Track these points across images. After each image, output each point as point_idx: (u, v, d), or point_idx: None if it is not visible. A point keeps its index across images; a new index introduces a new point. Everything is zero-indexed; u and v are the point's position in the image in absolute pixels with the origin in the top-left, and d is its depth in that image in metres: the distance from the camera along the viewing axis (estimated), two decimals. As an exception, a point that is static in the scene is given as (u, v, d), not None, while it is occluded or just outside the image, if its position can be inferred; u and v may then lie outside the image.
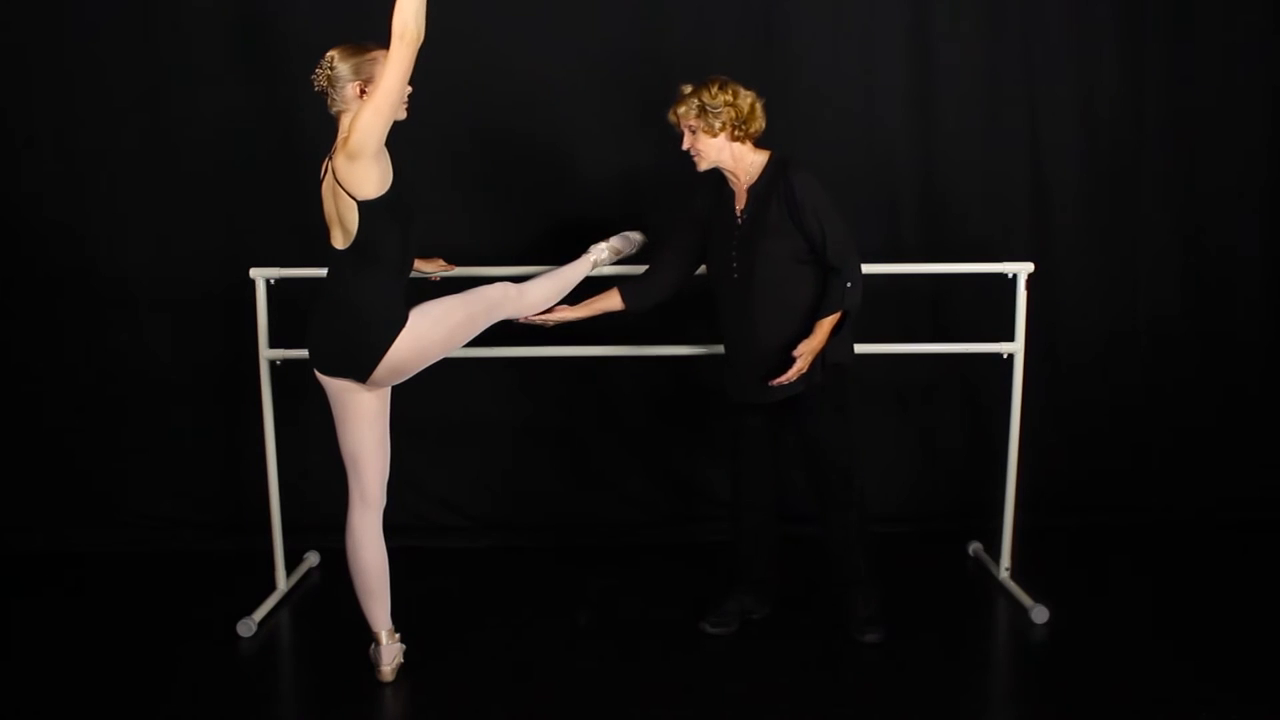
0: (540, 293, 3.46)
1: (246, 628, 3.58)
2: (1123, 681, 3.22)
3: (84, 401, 4.37)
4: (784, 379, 3.30)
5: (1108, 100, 4.43)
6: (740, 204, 3.42)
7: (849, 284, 3.31)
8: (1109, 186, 4.47)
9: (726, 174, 3.43)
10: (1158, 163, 4.47)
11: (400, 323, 3.08)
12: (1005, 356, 3.85)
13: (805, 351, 3.28)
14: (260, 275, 3.75)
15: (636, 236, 3.76)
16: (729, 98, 3.31)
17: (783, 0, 4.30)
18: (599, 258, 3.65)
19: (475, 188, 4.29)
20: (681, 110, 3.33)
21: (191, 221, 4.28)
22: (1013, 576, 3.92)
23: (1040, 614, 3.61)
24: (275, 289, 3.79)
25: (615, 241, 3.71)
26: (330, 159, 3.04)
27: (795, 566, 4.14)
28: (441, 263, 3.67)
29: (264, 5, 4.20)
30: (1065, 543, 4.36)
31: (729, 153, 3.37)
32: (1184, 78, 4.43)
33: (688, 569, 4.15)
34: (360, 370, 3.08)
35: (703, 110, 3.31)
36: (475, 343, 3.35)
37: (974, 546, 4.23)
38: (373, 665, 3.26)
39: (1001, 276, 3.82)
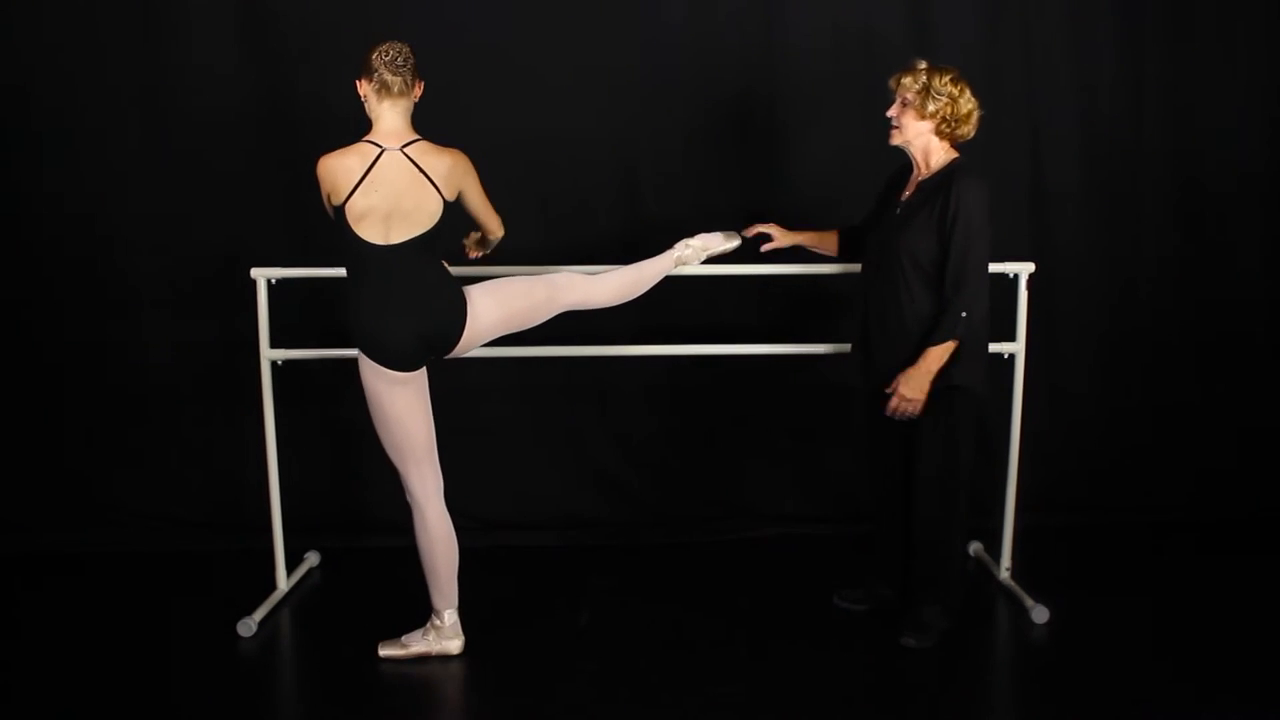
0: (612, 285, 3.41)
1: (246, 628, 3.57)
2: (1123, 681, 3.22)
3: (84, 401, 4.38)
4: (890, 409, 3.33)
5: (1108, 100, 4.43)
6: (907, 192, 3.44)
7: (964, 313, 3.27)
8: (1109, 186, 4.48)
9: (913, 161, 3.44)
10: (1158, 162, 4.48)
11: (464, 297, 3.21)
12: (1006, 356, 3.85)
13: (904, 379, 3.28)
14: (261, 275, 3.75)
15: (727, 236, 3.57)
16: (954, 91, 3.32)
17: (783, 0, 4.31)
18: (683, 254, 3.50)
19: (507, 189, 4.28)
20: (906, 80, 3.34)
21: (192, 221, 4.28)
22: (1013, 576, 3.92)
23: (1040, 614, 3.61)
24: (276, 289, 3.79)
25: (704, 239, 3.53)
26: (407, 155, 3.10)
27: (796, 566, 4.15)
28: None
29: (265, 5, 4.21)
30: (1065, 543, 4.36)
31: (925, 141, 3.37)
32: (1184, 77, 4.44)
33: (688, 569, 4.16)
34: (447, 345, 3.21)
35: (926, 90, 3.31)
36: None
37: (974, 546, 4.23)
38: (439, 649, 3.37)
39: (1002, 276, 3.82)
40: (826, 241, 3.72)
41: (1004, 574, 3.94)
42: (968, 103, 3.35)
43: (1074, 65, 4.40)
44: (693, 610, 3.73)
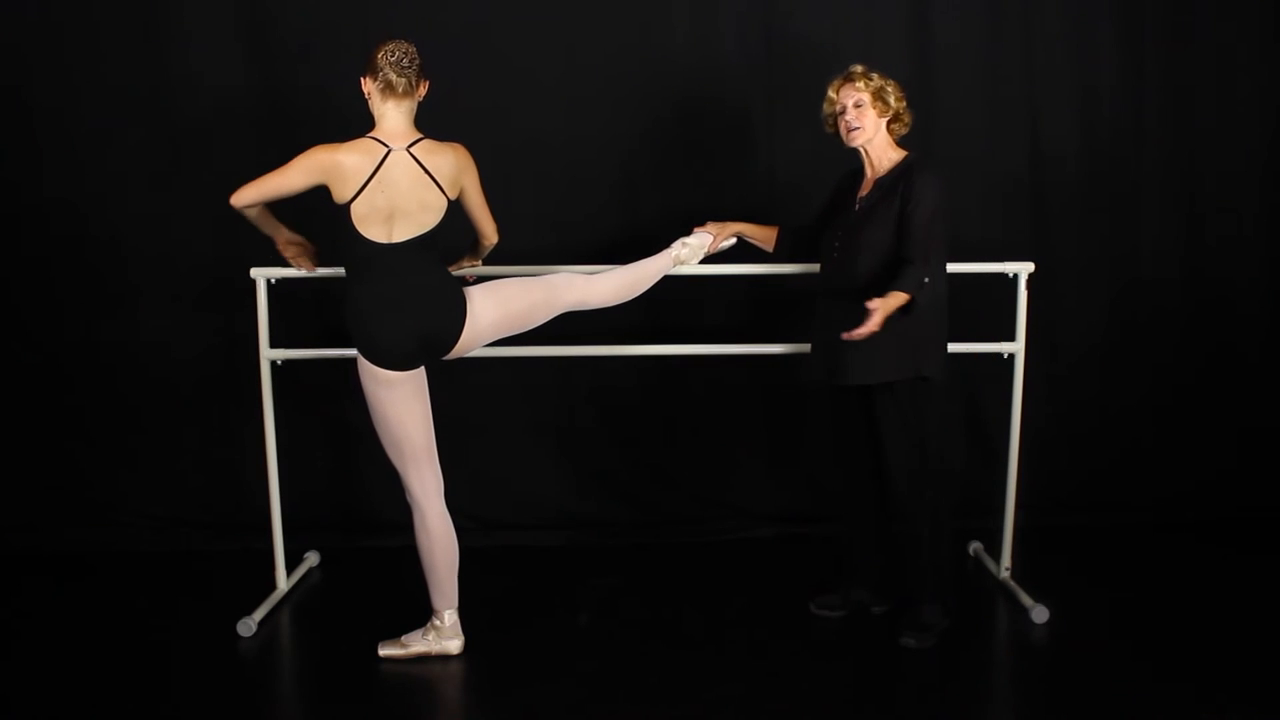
0: (611, 285, 3.42)
1: (246, 628, 3.57)
2: (1123, 681, 3.22)
3: (84, 401, 4.38)
4: (857, 333, 3.16)
5: (1108, 100, 4.44)
6: (863, 192, 3.47)
7: (926, 279, 3.26)
8: (1109, 186, 4.48)
9: (864, 160, 3.48)
10: (1158, 162, 4.48)
11: (464, 297, 3.21)
12: (1006, 356, 3.85)
13: (879, 306, 3.14)
14: (260, 275, 3.74)
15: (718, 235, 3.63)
16: (898, 93, 3.43)
17: (782, 0, 4.31)
18: (680, 253, 3.54)
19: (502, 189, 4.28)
20: (860, 84, 3.40)
21: (192, 221, 4.28)
22: (1013, 576, 3.92)
23: (1040, 614, 3.61)
24: (275, 289, 3.79)
25: (701, 238, 3.59)
26: (413, 155, 3.10)
27: (795, 565, 4.15)
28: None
29: (264, 5, 4.21)
30: (1065, 543, 4.36)
31: (880, 139, 3.44)
32: (1183, 77, 4.44)
33: (688, 569, 4.16)
34: (445, 346, 3.20)
35: (881, 91, 3.41)
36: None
37: (974, 546, 4.23)
38: (439, 649, 3.37)
39: (1002, 276, 3.82)
40: (766, 235, 3.73)
41: (1004, 574, 3.94)
42: (903, 102, 3.46)
43: (1074, 65, 4.40)
44: (691, 610, 3.73)
